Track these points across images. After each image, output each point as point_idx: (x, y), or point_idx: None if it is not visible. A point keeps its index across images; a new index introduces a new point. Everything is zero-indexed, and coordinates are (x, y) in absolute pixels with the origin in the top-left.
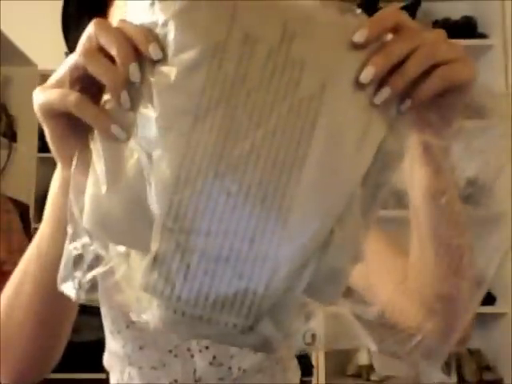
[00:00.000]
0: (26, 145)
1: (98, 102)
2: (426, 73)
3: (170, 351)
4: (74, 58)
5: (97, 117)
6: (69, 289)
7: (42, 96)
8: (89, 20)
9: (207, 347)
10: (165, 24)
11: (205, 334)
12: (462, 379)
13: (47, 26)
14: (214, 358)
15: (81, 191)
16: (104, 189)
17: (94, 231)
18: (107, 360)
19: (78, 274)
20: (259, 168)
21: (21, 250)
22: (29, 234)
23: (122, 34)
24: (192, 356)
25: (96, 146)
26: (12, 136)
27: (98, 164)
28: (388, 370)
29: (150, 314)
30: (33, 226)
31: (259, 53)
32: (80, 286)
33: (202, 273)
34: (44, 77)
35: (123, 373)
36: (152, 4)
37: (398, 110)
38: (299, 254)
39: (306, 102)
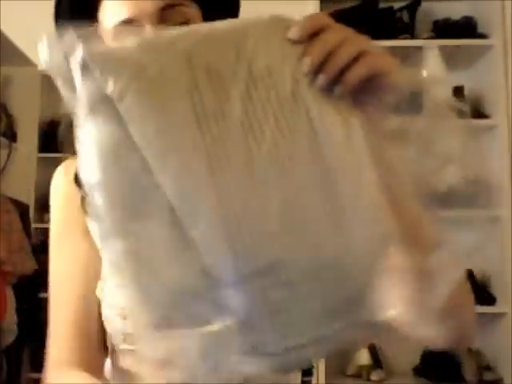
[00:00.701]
0: (26, 145)
1: None
2: (354, 61)
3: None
4: None
5: None
6: None
7: None
8: (81, 16)
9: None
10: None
11: None
12: (462, 379)
13: (47, 26)
14: (216, 363)
15: None
16: None
17: None
18: (107, 371)
19: None
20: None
21: (21, 250)
22: (29, 233)
23: None
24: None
25: None
26: (12, 136)
27: None
28: None
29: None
30: (33, 225)
31: (227, 77)
32: None
33: None
34: (44, 77)
35: None
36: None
37: (337, 94)
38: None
39: (289, 97)
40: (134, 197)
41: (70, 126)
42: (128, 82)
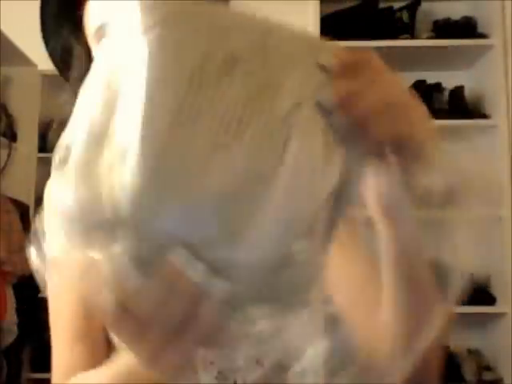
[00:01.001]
0: (26, 145)
1: None
2: (380, 113)
3: None
4: None
5: None
6: None
7: None
8: (67, 20)
9: (212, 362)
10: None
11: None
12: (462, 379)
13: None
14: (220, 373)
15: None
16: None
17: None
18: None
19: None
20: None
21: (21, 250)
22: (29, 234)
23: None
24: (196, 372)
25: None
26: (12, 136)
27: None
28: None
29: None
30: (33, 226)
31: (238, 72)
32: None
33: None
34: (44, 77)
35: None
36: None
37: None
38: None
39: (279, 122)
40: (100, 124)
41: (62, 128)
42: (155, 23)
